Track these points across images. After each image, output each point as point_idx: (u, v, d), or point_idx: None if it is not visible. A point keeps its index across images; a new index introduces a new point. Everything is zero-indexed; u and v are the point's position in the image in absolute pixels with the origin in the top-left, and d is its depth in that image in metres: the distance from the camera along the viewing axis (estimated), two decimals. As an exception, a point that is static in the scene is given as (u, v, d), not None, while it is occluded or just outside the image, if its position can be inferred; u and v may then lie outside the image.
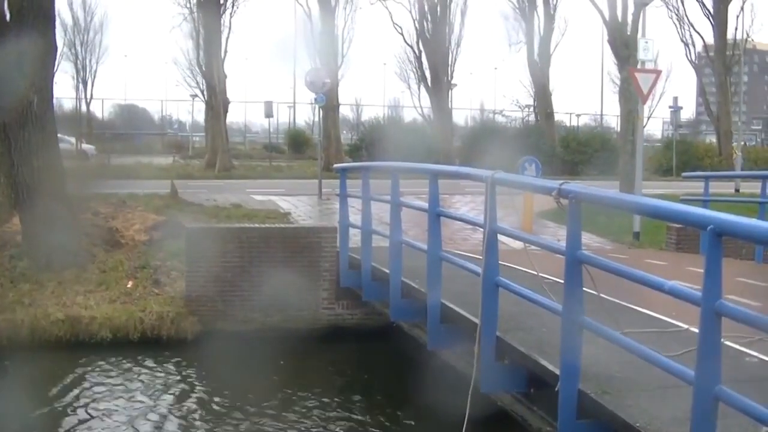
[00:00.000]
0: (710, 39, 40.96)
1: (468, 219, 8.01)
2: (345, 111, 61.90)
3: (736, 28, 39.53)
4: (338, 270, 10.95)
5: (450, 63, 40.75)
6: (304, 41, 39.39)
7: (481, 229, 5.98)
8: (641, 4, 16.55)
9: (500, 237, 5.92)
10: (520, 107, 44.44)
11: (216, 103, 34.42)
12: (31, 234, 12.06)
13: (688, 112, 68.69)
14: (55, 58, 13.50)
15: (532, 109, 41.70)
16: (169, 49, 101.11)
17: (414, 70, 42.78)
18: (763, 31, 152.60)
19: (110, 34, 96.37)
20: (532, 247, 5.99)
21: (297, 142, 50.33)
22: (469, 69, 77.82)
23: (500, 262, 5.82)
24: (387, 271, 8.49)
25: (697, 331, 3.62)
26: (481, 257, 5.88)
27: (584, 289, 4.69)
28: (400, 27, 42.21)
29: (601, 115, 50.83)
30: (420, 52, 40.34)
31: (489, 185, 5.70)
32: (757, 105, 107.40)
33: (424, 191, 7.45)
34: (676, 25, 41.72)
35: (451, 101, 42.09)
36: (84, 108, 53.01)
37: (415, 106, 45.14)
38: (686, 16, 42.28)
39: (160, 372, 10.08)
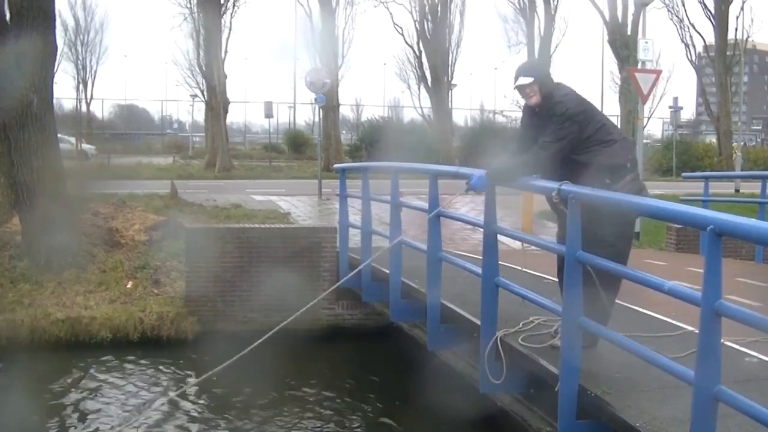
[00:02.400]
0: (711, 39, 40.99)
1: (468, 219, 8.01)
2: (345, 111, 62.05)
3: (736, 29, 39.63)
4: (338, 270, 10.94)
5: (450, 63, 40.75)
6: (304, 41, 39.49)
7: (481, 230, 5.98)
8: (641, 4, 16.54)
9: (500, 237, 5.92)
10: (520, 107, 44.39)
11: (216, 103, 34.43)
12: (31, 234, 12.06)
13: (688, 113, 68.81)
14: (55, 59, 13.48)
15: (532, 109, 41.54)
16: (169, 50, 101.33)
17: (414, 70, 42.82)
18: (763, 31, 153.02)
19: (110, 34, 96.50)
20: (532, 247, 5.99)
21: (297, 142, 50.31)
22: (469, 69, 78.01)
23: (500, 262, 5.83)
24: (387, 271, 8.49)
25: (695, 330, 3.62)
26: (480, 257, 5.89)
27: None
28: (401, 27, 42.31)
29: (601, 115, 50.59)
30: (420, 52, 40.35)
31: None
32: (757, 105, 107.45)
33: (424, 191, 7.44)
34: (676, 26, 41.75)
35: (451, 101, 42.15)
36: (84, 108, 52.99)
37: (415, 106, 45.19)
38: (687, 16, 42.42)
39: (160, 372, 10.07)
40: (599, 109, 5.51)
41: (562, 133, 5.11)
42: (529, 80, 5.30)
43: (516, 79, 5.34)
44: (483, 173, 5.41)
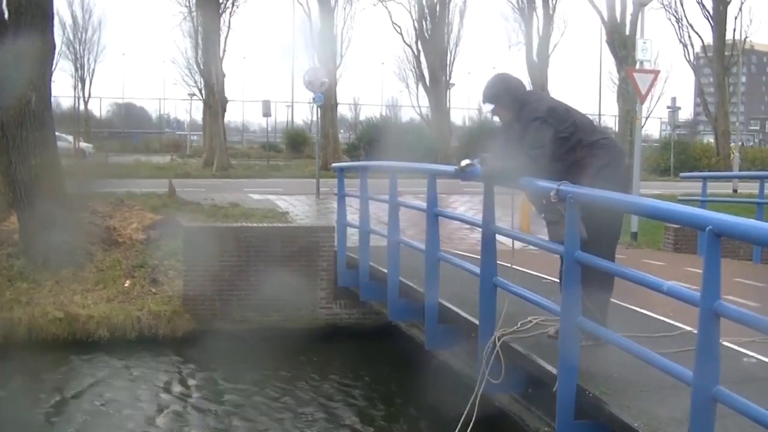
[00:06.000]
0: (709, 40, 41.07)
1: (466, 219, 8.01)
2: (343, 110, 62.09)
3: (734, 29, 39.70)
4: (336, 269, 10.94)
5: (448, 63, 40.76)
6: (303, 41, 39.49)
7: (479, 229, 5.98)
8: (640, 4, 16.55)
9: (499, 237, 5.91)
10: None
11: (214, 102, 34.43)
12: (29, 233, 12.04)
13: (686, 113, 69.02)
14: (53, 57, 13.48)
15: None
16: (168, 48, 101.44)
17: (412, 69, 42.78)
18: (762, 31, 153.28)
19: (108, 32, 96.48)
20: (530, 247, 5.99)
21: (295, 141, 50.32)
22: (467, 69, 77.81)
23: (498, 262, 5.83)
24: (385, 270, 8.48)
25: (693, 330, 3.61)
26: (479, 257, 5.89)
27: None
28: (399, 27, 42.29)
29: (600, 115, 50.83)
30: (419, 51, 40.33)
31: (487, 185, 5.70)
32: (755, 105, 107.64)
33: (422, 191, 7.44)
34: (674, 26, 41.87)
35: (449, 101, 42.15)
36: (82, 106, 53.00)
37: (413, 105, 45.16)
38: (685, 17, 42.52)
39: (157, 371, 10.06)
40: (592, 109, 5.55)
41: (539, 137, 5.12)
42: (490, 107, 5.41)
43: (484, 104, 5.45)
44: (478, 171, 5.39)
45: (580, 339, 4.80)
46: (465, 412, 5.53)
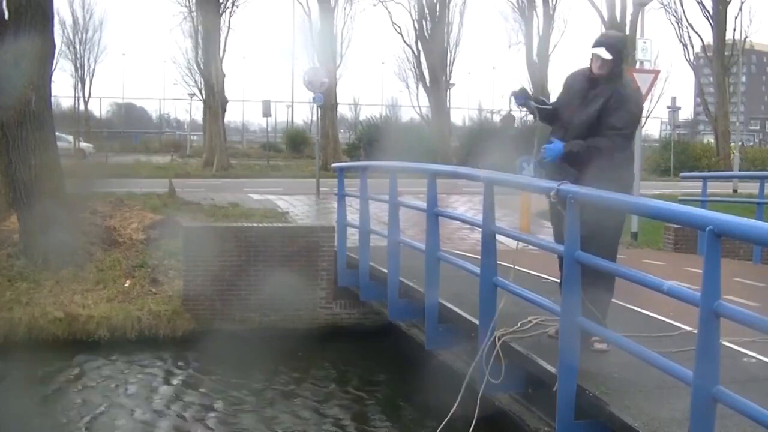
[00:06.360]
0: (709, 39, 41.10)
1: (466, 219, 8.01)
2: (343, 110, 62.12)
3: (734, 29, 39.72)
4: (336, 269, 10.94)
5: (448, 63, 40.82)
6: (303, 41, 39.52)
7: (479, 229, 5.98)
8: (640, 4, 16.53)
9: (499, 237, 5.92)
10: (519, 109, 44.29)
11: (214, 102, 34.42)
12: (29, 233, 12.04)
13: (686, 113, 69.10)
14: (54, 57, 13.47)
15: (530, 109, 41.44)
16: (168, 48, 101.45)
17: (412, 69, 42.91)
18: (762, 31, 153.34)
19: (109, 32, 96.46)
20: (530, 247, 5.99)
21: (295, 141, 50.34)
22: (467, 69, 77.81)
23: (498, 262, 5.83)
24: (385, 270, 8.48)
25: (693, 330, 3.61)
26: (479, 257, 5.89)
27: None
28: (399, 27, 42.36)
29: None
30: (419, 51, 40.40)
31: (486, 185, 5.70)
32: (755, 105, 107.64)
33: (422, 191, 7.44)
34: (674, 26, 41.91)
35: (449, 101, 42.23)
36: (82, 106, 53.05)
37: (413, 105, 45.26)
38: (685, 17, 42.60)
39: (157, 371, 10.06)
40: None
41: (628, 130, 5.19)
42: (609, 57, 5.20)
43: (598, 45, 5.23)
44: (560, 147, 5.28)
45: (592, 343, 4.79)
46: (453, 408, 5.54)
